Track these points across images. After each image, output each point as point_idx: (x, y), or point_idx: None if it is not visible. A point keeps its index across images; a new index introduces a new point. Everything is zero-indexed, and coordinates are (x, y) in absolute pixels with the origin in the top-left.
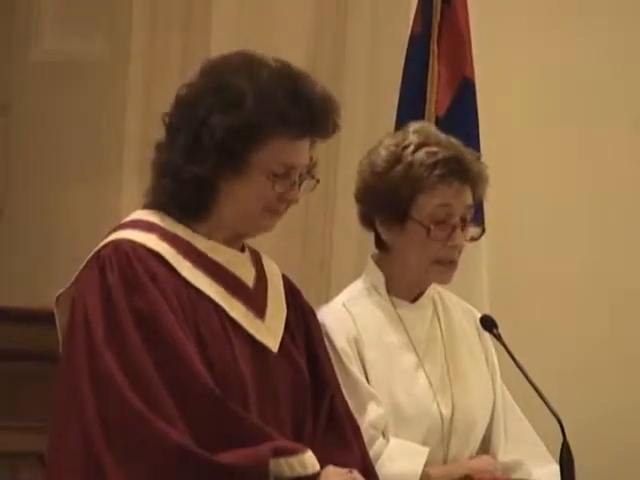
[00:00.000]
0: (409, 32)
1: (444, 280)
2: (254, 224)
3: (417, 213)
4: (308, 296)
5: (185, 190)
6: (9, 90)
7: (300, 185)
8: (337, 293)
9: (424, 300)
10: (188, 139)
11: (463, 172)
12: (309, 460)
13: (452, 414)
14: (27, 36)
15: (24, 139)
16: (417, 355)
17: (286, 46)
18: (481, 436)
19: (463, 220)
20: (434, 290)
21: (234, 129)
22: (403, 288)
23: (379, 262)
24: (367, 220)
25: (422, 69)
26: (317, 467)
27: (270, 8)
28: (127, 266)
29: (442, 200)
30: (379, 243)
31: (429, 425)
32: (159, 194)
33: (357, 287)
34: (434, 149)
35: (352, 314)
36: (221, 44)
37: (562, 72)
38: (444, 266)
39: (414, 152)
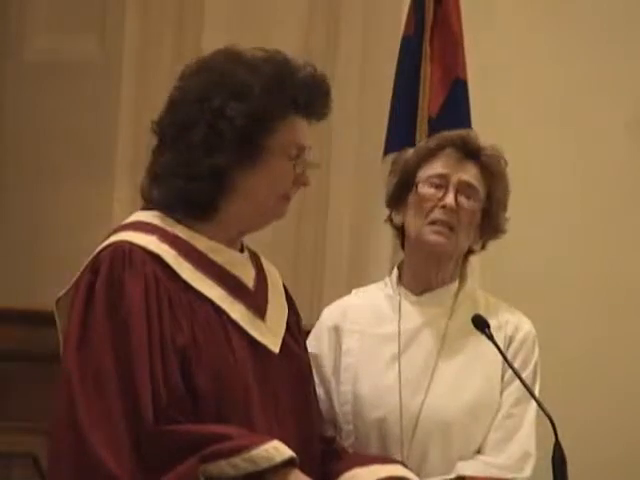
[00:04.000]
0: (401, 33)
1: (438, 241)
2: (268, 214)
3: (418, 181)
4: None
5: (197, 187)
6: (0, 89)
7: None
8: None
9: (436, 296)
10: (206, 132)
11: (466, 147)
12: (260, 454)
13: (420, 410)
14: (19, 36)
15: (16, 139)
16: (398, 347)
17: (277, 47)
18: (466, 441)
19: (459, 193)
20: (479, 294)
21: (253, 114)
22: (410, 279)
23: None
24: (391, 222)
25: (414, 70)
26: (275, 460)
27: (262, 9)
28: (117, 271)
29: (438, 170)
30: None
31: (384, 415)
32: (163, 194)
33: (381, 280)
34: (447, 133)
35: (348, 303)
36: (213, 43)
37: (555, 71)
38: (436, 226)
39: (429, 139)
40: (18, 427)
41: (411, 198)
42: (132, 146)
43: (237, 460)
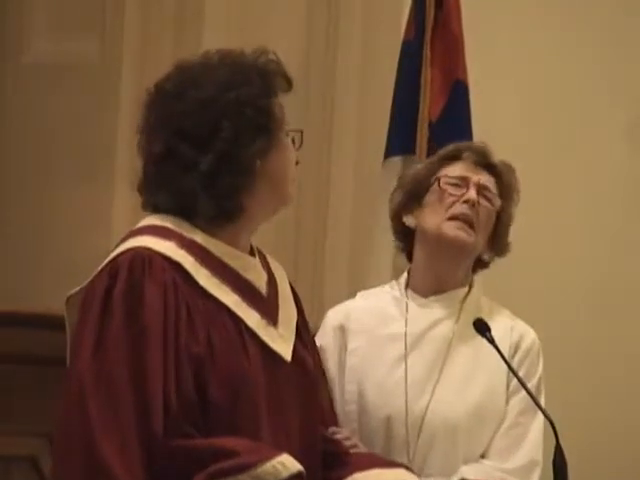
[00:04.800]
0: (402, 37)
1: (459, 235)
2: (284, 197)
3: (434, 183)
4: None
5: (228, 184)
6: (0, 91)
7: None
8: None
9: (444, 299)
10: (234, 124)
11: (484, 156)
12: (267, 471)
13: (425, 412)
14: (19, 37)
15: (16, 141)
16: (405, 347)
17: (277, 51)
18: (471, 443)
19: (478, 194)
20: (483, 301)
21: (261, 93)
22: (423, 280)
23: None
24: (400, 231)
25: (415, 74)
26: (282, 475)
27: (262, 10)
28: (136, 278)
29: (458, 173)
30: (409, 254)
31: (390, 415)
32: (178, 200)
33: (382, 282)
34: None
35: (352, 305)
36: (213, 43)
37: (556, 74)
38: (458, 222)
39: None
40: (18, 430)
41: (429, 197)
42: (132, 149)
43: (244, 477)
